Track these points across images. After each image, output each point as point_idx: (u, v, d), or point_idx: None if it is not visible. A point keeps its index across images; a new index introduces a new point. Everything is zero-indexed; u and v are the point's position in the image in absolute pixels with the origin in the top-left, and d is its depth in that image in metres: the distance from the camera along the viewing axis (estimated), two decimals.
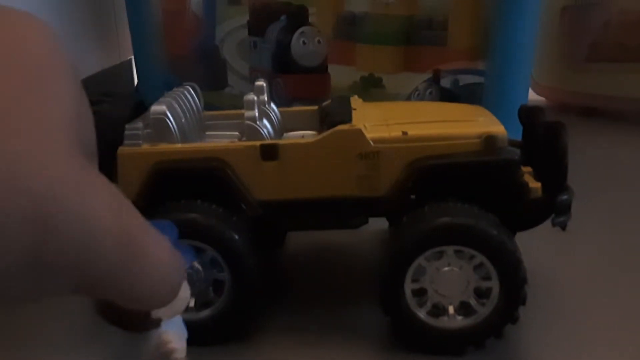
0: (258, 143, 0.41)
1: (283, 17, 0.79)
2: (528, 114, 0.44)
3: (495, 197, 0.40)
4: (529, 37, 0.73)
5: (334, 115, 0.43)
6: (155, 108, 0.42)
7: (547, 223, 0.42)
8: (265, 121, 0.43)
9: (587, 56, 1.00)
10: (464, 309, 0.40)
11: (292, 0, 0.80)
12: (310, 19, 0.80)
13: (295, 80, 0.79)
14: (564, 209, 0.41)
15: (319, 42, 0.82)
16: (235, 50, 0.80)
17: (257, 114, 0.42)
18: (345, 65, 0.80)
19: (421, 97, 0.76)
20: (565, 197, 0.41)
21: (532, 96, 1.01)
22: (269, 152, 0.40)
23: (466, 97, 0.74)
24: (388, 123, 0.42)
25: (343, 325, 0.44)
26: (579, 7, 0.99)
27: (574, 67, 1.01)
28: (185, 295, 0.27)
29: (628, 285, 0.49)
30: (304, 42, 0.80)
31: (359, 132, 0.40)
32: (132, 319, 0.26)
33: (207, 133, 0.49)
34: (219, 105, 0.78)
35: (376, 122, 0.42)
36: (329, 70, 0.81)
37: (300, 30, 0.80)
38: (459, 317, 0.40)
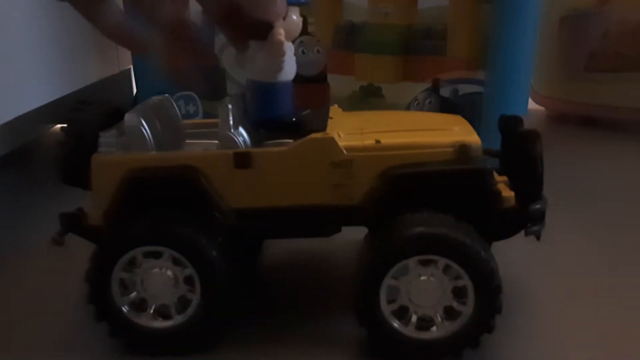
0: (231, 151, 0.41)
1: None
2: (506, 124, 0.45)
3: (468, 206, 0.40)
4: (528, 46, 0.74)
5: (309, 124, 0.43)
6: (129, 116, 0.42)
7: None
8: (241, 130, 0.43)
9: (586, 66, 1.00)
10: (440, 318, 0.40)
11: None
12: (309, 29, 0.80)
13: (294, 89, 0.79)
14: (537, 218, 0.41)
15: (318, 51, 0.82)
16: (234, 59, 0.80)
17: (231, 122, 0.42)
18: (345, 75, 0.80)
19: (420, 107, 0.76)
20: (538, 206, 0.41)
21: (532, 106, 1.01)
22: (242, 160, 0.40)
23: (466, 106, 0.74)
24: (363, 132, 0.42)
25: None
26: (577, 17, 0.99)
27: (573, 77, 1.01)
28: (297, 20, 0.42)
29: (607, 294, 0.49)
30: (303, 52, 0.80)
31: (332, 141, 0.40)
32: (259, 30, 0.39)
33: (187, 142, 0.49)
34: (218, 114, 0.78)
35: (351, 130, 0.42)
36: (329, 79, 0.81)
37: (299, 39, 0.80)
38: (434, 327, 0.40)
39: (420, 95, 0.76)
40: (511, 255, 0.53)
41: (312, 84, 0.80)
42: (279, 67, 0.42)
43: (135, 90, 0.87)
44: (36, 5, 0.68)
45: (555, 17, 1.01)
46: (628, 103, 0.96)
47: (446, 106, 0.75)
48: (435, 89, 0.76)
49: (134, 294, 0.41)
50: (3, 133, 0.68)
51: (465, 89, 0.75)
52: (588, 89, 1.00)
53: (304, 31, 0.81)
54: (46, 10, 0.71)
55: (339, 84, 0.80)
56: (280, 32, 0.40)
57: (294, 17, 0.42)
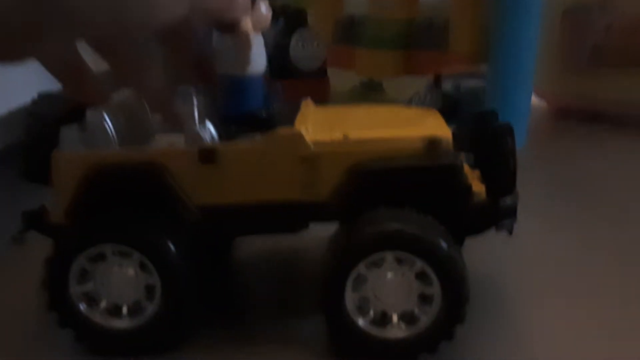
0: (196, 147, 0.40)
1: (280, 20, 0.78)
2: (482, 119, 0.44)
3: (439, 201, 0.40)
4: (530, 41, 0.73)
5: (279, 118, 0.42)
6: (91, 111, 0.41)
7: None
8: (209, 124, 0.42)
9: (589, 60, 0.99)
10: (407, 318, 0.39)
11: (290, 3, 0.80)
12: (309, 22, 0.80)
13: (294, 84, 0.78)
14: (508, 213, 0.41)
15: (317, 45, 0.81)
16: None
17: (197, 117, 0.41)
18: (345, 69, 0.79)
19: (422, 102, 0.76)
20: (508, 200, 0.41)
21: (534, 100, 1.01)
22: (208, 155, 0.40)
23: (468, 101, 0.73)
24: (332, 127, 0.41)
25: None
26: (580, 10, 0.98)
27: (575, 72, 1.01)
28: (267, 12, 0.41)
29: (610, 290, 0.48)
30: (302, 45, 0.79)
31: (299, 135, 0.39)
32: (231, 26, 0.39)
33: (157, 137, 0.48)
34: None
35: (320, 125, 0.41)
36: (329, 74, 0.80)
37: (298, 33, 0.79)
38: (403, 326, 0.39)
39: (422, 89, 0.76)
40: (512, 254, 0.53)
41: (312, 78, 0.80)
42: (247, 59, 0.42)
43: None
44: None
45: (558, 11, 1.00)
46: (631, 97, 0.95)
47: (448, 101, 0.74)
48: (436, 83, 0.75)
49: (104, 303, 0.41)
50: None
51: (467, 83, 0.74)
52: (591, 84, 0.99)
53: (304, 25, 0.81)
54: None
55: (340, 78, 0.79)
56: (247, 24, 0.39)
57: (263, 9, 0.41)
